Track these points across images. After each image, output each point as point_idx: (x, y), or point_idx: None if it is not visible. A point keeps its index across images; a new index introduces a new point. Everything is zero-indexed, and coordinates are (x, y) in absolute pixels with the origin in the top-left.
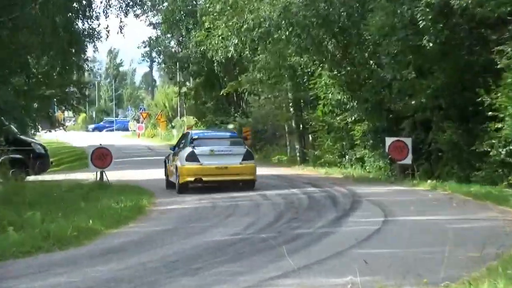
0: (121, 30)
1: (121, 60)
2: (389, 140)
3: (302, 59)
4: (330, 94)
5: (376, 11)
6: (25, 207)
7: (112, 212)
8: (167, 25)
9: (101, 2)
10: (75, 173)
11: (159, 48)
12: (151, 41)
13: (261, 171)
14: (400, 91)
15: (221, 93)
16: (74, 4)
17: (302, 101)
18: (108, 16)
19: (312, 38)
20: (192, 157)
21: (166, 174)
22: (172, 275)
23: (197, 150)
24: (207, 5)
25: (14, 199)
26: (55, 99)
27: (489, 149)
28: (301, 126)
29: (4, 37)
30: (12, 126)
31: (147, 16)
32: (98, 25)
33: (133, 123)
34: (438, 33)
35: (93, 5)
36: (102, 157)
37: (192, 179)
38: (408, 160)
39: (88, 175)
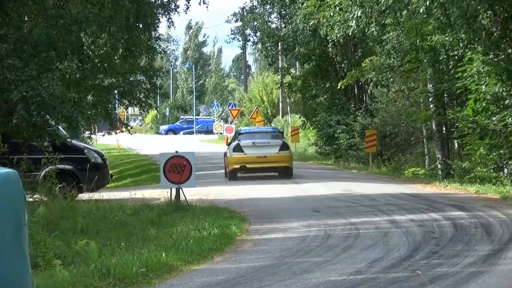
0: None
1: (204, 38)
2: None
3: (446, 38)
4: (484, 86)
5: None
6: (77, 235)
7: (192, 242)
8: None
9: None
10: (142, 189)
11: (255, 24)
12: (244, 14)
13: (390, 188)
14: None
15: (338, 85)
16: None
17: (446, 95)
18: None
19: (461, 9)
20: (238, 148)
21: (225, 166)
22: None
23: (242, 143)
24: None
25: (63, 224)
26: (116, 91)
27: None
28: (444, 128)
29: (50, 8)
30: (60, 127)
31: None
32: None
33: (219, 124)
34: None
35: None
36: (178, 169)
37: (238, 166)
38: None
39: (160, 193)
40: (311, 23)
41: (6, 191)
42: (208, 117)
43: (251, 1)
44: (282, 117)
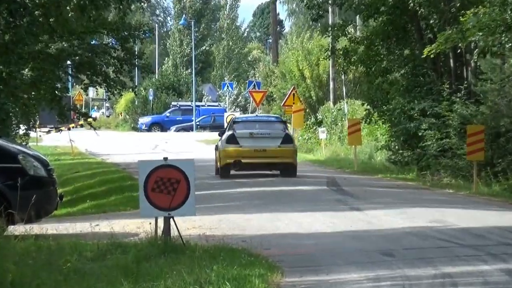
0: None
1: None
2: None
3: None
4: None
5: None
6: None
7: None
8: None
9: None
10: (111, 219)
11: None
12: None
13: (506, 219)
14: None
15: (423, 53)
16: None
17: None
18: None
19: None
20: (232, 140)
21: (216, 161)
22: None
23: (237, 133)
24: None
25: None
26: (69, 62)
27: None
28: None
29: None
30: None
31: None
32: None
33: (233, 115)
34: None
35: None
36: (168, 186)
37: (231, 161)
38: None
39: (139, 225)
40: None
41: None
42: (216, 104)
43: None
44: (334, 103)
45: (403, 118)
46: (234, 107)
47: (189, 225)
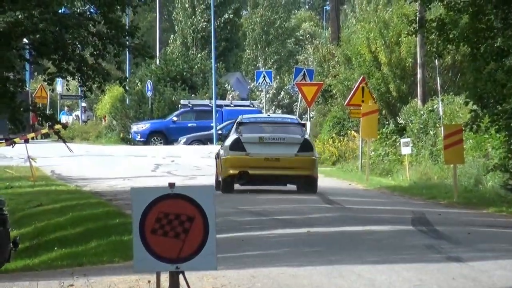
0: None
1: None
2: None
3: None
4: None
5: None
6: None
7: None
8: None
9: None
10: (91, 276)
11: None
12: None
13: None
14: None
15: None
16: None
17: None
18: None
19: None
20: (237, 145)
21: (216, 173)
22: None
23: (244, 137)
24: None
25: None
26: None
27: None
28: None
29: None
30: None
31: None
32: None
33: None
34: None
35: None
36: (176, 226)
37: (236, 172)
38: None
39: (135, 284)
40: None
41: None
42: (248, 103)
43: None
44: (424, 102)
45: None
46: (274, 107)
47: (207, 285)
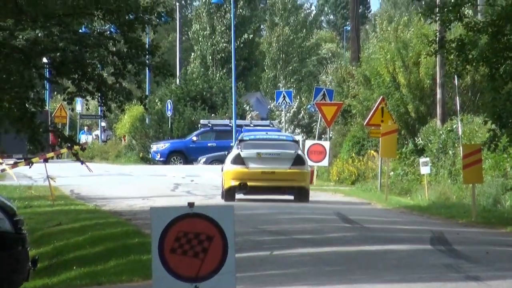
0: None
1: None
2: None
3: None
4: None
5: None
6: None
7: None
8: None
9: None
10: None
11: None
12: None
13: None
14: None
15: None
16: None
17: None
18: None
19: None
20: (238, 160)
21: (222, 185)
22: None
23: (244, 153)
24: None
25: None
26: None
27: None
28: None
29: None
30: None
31: None
32: None
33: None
34: None
35: None
36: (195, 246)
37: (236, 183)
38: None
39: None
40: None
41: None
42: (267, 123)
43: None
44: (443, 122)
45: None
46: (293, 127)
47: None
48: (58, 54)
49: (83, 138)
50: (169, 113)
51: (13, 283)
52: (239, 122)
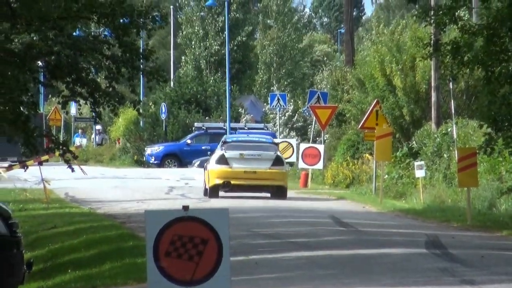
0: None
1: None
2: None
3: None
4: None
5: None
6: None
7: None
8: None
9: None
10: None
11: None
12: None
13: None
14: None
15: None
16: None
17: None
18: None
19: None
20: (222, 160)
21: (204, 182)
22: None
23: (227, 154)
24: None
25: None
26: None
27: None
28: None
29: None
30: None
31: None
32: None
33: (286, 142)
34: None
35: None
36: (190, 249)
37: (220, 182)
38: None
39: None
40: None
41: None
42: (262, 126)
43: None
44: (438, 125)
45: None
46: (287, 130)
47: None
48: (52, 57)
49: (77, 141)
50: (163, 116)
51: (8, 286)
52: (233, 125)
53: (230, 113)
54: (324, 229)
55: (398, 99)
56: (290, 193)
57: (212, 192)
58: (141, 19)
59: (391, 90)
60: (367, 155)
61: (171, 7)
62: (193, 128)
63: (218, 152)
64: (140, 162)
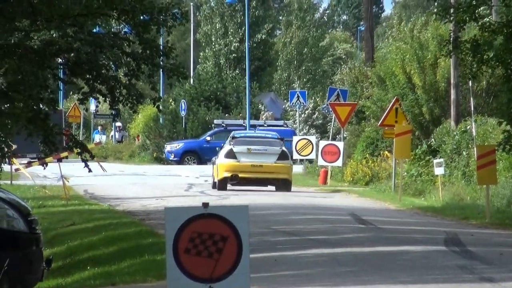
0: None
1: None
2: None
3: None
4: None
5: None
6: None
7: None
8: None
9: None
10: None
11: None
12: None
13: None
14: None
15: None
16: None
17: None
18: None
19: None
20: (230, 154)
21: (213, 175)
22: None
23: (236, 148)
24: None
25: None
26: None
27: None
28: None
29: None
30: None
31: None
32: None
33: (306, 139)
34: None
35: None
36: (210, 246)
37: (229, 175)
38: None
39: None
40: None
41: None
42: (281, 123)
43: None
44: (457, 123)
45: None
46: (307, 127)
47: None
48: (72, 54)
49: (97, 137)
50: (183, 113)
51: (27, 284)
52: (253, 122)
53: (250, 110)
54: (344, 226)
55: (418, 97)
56: (309, 190)
57: (221, 184)
58: (162, 16)
59: (411, 88)
60: (386, 152)
61: (191, 3)
62: (213, 125)
63: (226, 147)
64: (160, 159)
